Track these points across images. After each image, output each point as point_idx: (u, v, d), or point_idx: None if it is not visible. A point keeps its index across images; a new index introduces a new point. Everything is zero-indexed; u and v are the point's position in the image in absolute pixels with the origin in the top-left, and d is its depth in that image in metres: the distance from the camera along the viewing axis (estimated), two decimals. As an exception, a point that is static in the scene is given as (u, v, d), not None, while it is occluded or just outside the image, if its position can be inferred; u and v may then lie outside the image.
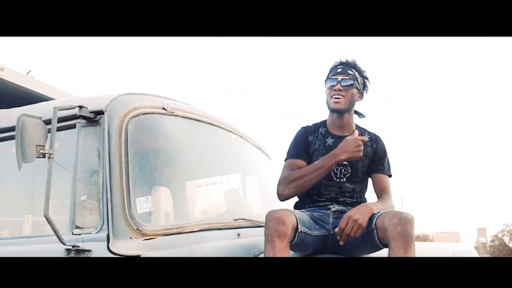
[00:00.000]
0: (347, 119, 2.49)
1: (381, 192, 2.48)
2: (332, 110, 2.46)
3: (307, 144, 2.52)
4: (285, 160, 2.54)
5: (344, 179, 2.44)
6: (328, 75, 2.48)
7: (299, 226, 2.13)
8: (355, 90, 2.44)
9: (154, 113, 2.57)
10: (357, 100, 2.49)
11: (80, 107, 2.46)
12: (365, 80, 2.50)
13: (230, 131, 3.21)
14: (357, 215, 2.17)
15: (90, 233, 2.31)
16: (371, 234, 2.16)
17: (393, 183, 2.54)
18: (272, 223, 2.03)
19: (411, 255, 2.00)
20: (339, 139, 2.46)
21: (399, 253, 1.99)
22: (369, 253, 2.29)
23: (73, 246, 2.27)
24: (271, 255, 2.00)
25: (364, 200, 2.51)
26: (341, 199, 2.42)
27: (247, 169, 3.22)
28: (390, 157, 2.59)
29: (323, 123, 2.56)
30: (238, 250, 2.31)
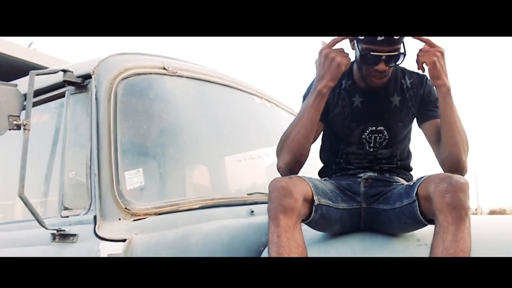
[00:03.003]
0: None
1: (439, 137, 1.84)
2: (370, 84, 1.85)
3: (326, 104, 1.90)
4: None
5: (380, 148, 1.92)
6: (361, 41, 1.78)
7: (315, 198, 1.68)
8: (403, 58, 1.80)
9: (150, 73, 2.19)
10: None
11: (65, 71, 2.14)
12: None
13: (252, 94, 2.80)
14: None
15: (78, 215, 2.00)
16: (411, 206, 1.67)
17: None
18: (275, 194, 1.58)
19: (465, 233, 1.50)
20: (370, 96, 1.89)
21: (449, 230, 1.49)
22: (411, 230, 1.80)
23: (57, 231, 1.97)
24: (275, 237, 1.56)
25: (407, 162, 1.99)
26: (377, 167, 1.93)
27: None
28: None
29: (348, 73, 1.93)
30: (248, 231, 1.91)
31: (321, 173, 2.04)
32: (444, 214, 1.51)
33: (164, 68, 2.26)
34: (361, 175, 1.90)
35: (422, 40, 1.74)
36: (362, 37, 1.76)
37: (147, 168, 1.97)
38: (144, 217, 1.87)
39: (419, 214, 1.63)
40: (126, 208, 1.88)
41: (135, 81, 2.13)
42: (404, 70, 1.94)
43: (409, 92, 1.91)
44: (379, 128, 1.89)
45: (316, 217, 1.71)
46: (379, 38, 1.72)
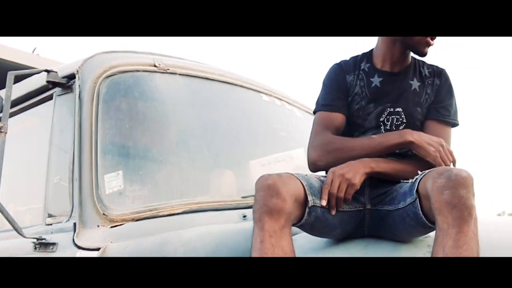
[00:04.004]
0: (405, 54, 1.77)
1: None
2: (422, 54, 1.74)
3: (345, 87, 1.79)
4: (314, 112, 1.84)
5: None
6: None
7: (309, 199, 1.47)
8: None
9: (138, 70, 2.06)
10: None
11: (48, 71, 2.05)
12: None
13: (259, 91, 2.62)
14: (344, 169, 1.52)
15: (60, 222, 1.89)
16: (413, 206, 1.44)
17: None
18: (260, 193, 1.38)
19: (469, 237, 1.26)
20: (390, 77, 1.76)
21: (449, 234, 1.26)
22: (419, 234, 1.56)
23: (37, 239, 1.86)
24: (258, 242, 1.37)
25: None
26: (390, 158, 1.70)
27: (284, 141, 2.59)
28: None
29: (367, 56, 1.83)
30: (238, 237, 1.72)
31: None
32: (444, 215, 1.27)
33: (155, 65, 2.13)
34: None
35: None
36: None
37: (128, 171, 1.83)
38: (122, 223, 1.73)
39: (421, 215, 1.41)
40: (104, 214, 1.75)
41: (120, 79, 2.00)
42: (423, 62, 1.82)
43: (428, 80, 1.77)
44: (397, 109, 1.72)
45: (310, 220, 1.50)
46: None
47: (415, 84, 1.76)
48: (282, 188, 1.37)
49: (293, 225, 1.47)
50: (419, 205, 1.40)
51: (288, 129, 2.70)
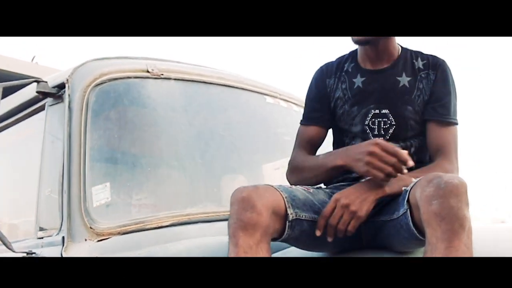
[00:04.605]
0: (385, 46, 1.62)
1: (436, 152, 1.57)
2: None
3: (324, 93, 1.69)
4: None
5: (387, 137, 1.58)
6: None
7: (289, 212, 1.37)
8: None
9: (129, 77, 2.00)
10: None
11: (38, 81, 2.01)
12: None
13: (262, 93, 2.53)
14: (350, 198, 1.37)
15: (51, 236, 1.84)
16: (405, 217, 1.33)
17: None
18: (234, 207, 1.30)
19: (461, 251, 1.14)
20: (373, 75, 1.62)
21: (438, 248, 1.15)
22: (414, 247, 1.44)
23: (27, 254, 1.82)
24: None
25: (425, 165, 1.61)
26: None
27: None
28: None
29: (352, 55, 1.71)
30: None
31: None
32: (432, 228, 1.16)
33: (148, 71, 2.07)
34: (362, 179, 1.56)
35: None
36: None
37: (116, 183, 1.77)
38: (108, 237, 1.67)
39: (412, 227, 1.29)
40: (91, 228, 1.70)
41: (110, 87, 1.95)
42: (417, 52, 1.67)
43: (421, 74, 1.61)
44: (383, 111, 1.58)
45: (294, 234, 1.41)
46: None
47: (404, 79, 1.60)
48: (257, 201, 1.28)
49: (275, 239, 1.38)
50: (409, 217, 1.29)
51: (293, 133, 2.60)
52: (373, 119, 1.59)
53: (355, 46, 1.69)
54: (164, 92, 2.05)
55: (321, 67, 1.75)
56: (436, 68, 1.61)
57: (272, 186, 1.40)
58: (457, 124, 1.62)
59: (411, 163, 1.39)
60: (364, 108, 1.60)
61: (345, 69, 1.68)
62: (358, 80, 1.64)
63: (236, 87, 2.40)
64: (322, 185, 1.63)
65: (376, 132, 1.59)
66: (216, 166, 1.78)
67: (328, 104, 1.69)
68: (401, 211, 1.35)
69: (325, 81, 1.70)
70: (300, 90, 1.80)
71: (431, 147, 1.59)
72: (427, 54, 1.66)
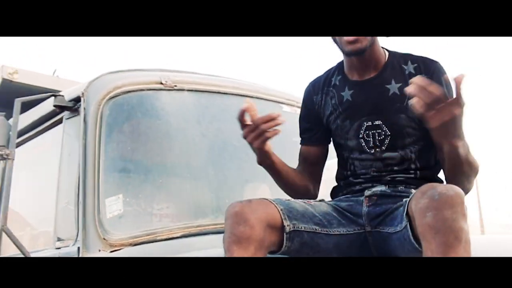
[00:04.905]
0: (370, 54, 1.57)
1: None
2: (349, 53, 1.54)
3: (313, 111, 1.68)
4: None
5: (384, 148, 1.55)
6: None
7: (285, 224, 1.37)
8: None
9: (142, 89, 2.04)
10: None
11: (55, 95, 2.06)
12: None
13: (279, 102, 2.52)
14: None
15: (68, 246, 1.88)
16: (406, 229, 1.31)
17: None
18: (228, 222, 1.31)
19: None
20: (360, 86, 1.58)
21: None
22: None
23: (44, 264, 1.86)
24: None
25: (432, 172, 1.59)
26: (388, 177, 1.55)
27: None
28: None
29: (339, 67, 1.66)
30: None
31: (332, 192, 1.72)
32: (427, 241, 1.14)
33: (161, 83, 2.09)
34: (366, 192, 1.55)
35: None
36: None
37: (128, 194, 1.80)
38: (120, 248, 1.69)
39: (413, 240, 1.27)
40: (104, 239, 1.73)
41: (123, 100, 1.98)
42: (406, 56, 1.60)
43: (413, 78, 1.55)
44: (376, 122, 1.54)
45: (294, 246, 1.40)
46: None
47: (394, 87, 1.55)
48: (250, 215, 1.29)
49: (273, 252, 1.38)
50: (410, 230, 1.27)
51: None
52: (367, 132, 1.56)
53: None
54: (177, 104, 2.08)
55: (309, 84, 1.73)
56: (431, 72, 1.54)
57: (267, 200, 1.40)
58: None
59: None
60: (356, 122, 1.57)
61: (332, 83, 1.65)
62: (347, 93, 1.60)
63: (252, 97, 2.40)
64: (325, 198, 1.63)
65: (371, 145, 1.56)
66: (229, 176, 1.78)
67: (319, 122, 1.67)
68: (403, 224, 1.33)
69: (312, 99, 1.69)
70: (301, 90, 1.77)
71: (439, 151, 1.53)
72: (417, 57, 1.60)
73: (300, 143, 1.73)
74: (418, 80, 1.26)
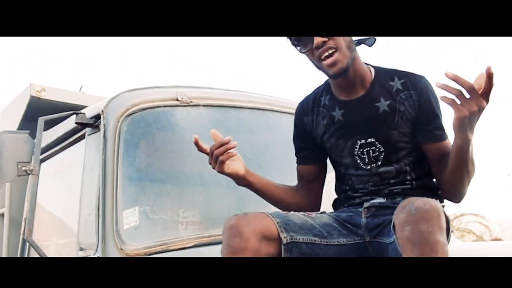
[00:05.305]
0: (355, 73, 1.60)
1: (442, 159, 1.57)
2: (334, 76, 1.58)
3: (305, 132, 1.74)
4: None
5: (379, 163, 1.60)
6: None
7: (282, 235, 1.44)
8: None
9: (159, 106, 2.13)
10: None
11: (76, 113, 2.18)
12: None
13: (293, 114, 2.58)
14: None
15: (89, 256, 1.99)
16: (395, 242, 1.36)
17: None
18: (224, 234, 1.40)
19: None
20: (351, 106, 1.62)
21: None
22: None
23: (67, 273, 1.97)
24: None
25: (428, 180, 1.64)
26: (386, 190, 1.61)
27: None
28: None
29: (326, 87, 1.71)
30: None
31: (333, 204, 1.78)
32: (406, 253, 1.22)
33: (177, 99, 2.19)
34: (365, 203, 1.60)
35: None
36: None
37: (144, 207, 1.90)
38: (136, 257, 1.78)
39: (400, 251, 1.32)
40: (121, 249, 1.82)
41: (140, 117, 2.08)
42: (392, 72, 1.64)
43: (401, 95, 1.59)
44: (369, 140, 1.60)
45: (292, 257, 1.47)
46: None
47: (383, 105, 1.60)
48: (244, 227, 1.36)
49: None
50: (397, 240, 1.32)
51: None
52: (361, 149, 1.61)
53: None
54: (193, 119, 2.17)
55: (299, 104, 1.79)
56: (418, 88, 1.59)
57: (264, 213, 1.48)
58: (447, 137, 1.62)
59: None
60: (350, 140, 1.63)
61: (322, 103, 1.70)
62: (337, 113, 1.65)
63: (266, 109, 2.47)
64: (326, 210, 1.69)
65: (367, 161, 1.61)
66: (240, 189, 1.85)
67: (313, 141, 1.73)
68: (393, 237, 1.38)
69: (302, 119, 1.75)
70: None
71: (436, 161, 1.60)
72: (402, 72, 1.64)
73: (296, 163, 1.79)
74: (449, 74, 1.31)
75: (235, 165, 1.65)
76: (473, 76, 1.35)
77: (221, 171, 1.63)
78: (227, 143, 1.60)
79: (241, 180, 1.69)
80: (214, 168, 1.64)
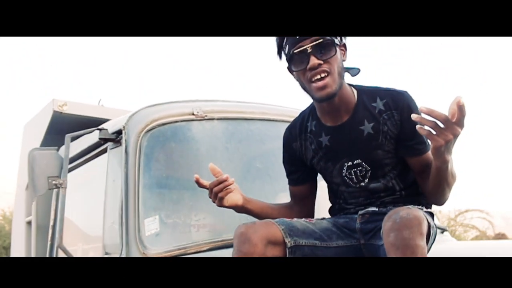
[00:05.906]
0: (341, 99, 1.68)
1: (425, 169, 1.69)
2: (320, 100, 1.66)
3: (295, 156, 1.85)
4: None
5: (367, 180, 1.73)
6: (284, 50, 1.68)
7: (287, 240, 1.60)
8: (337, 50, 1.65)
9: (176, 121, 2.30)
10: (343, 61, 1.70)
11: (100, 129, 2.36)
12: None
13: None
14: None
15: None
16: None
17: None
18: (235, 241, 1.56)
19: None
20: (337, 132, 1.72)
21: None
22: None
23: (94, 277, 2.15)
24: None
25: (415, 188, 1.76)
26: (378, 202, 1.75)
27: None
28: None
29: (312, 112, 1.80)
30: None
31: (329, 211, 1.93)
32: (391, 256, 1.38)
33: (193, 114, 2.35)
34: (359, 211, 1.76)
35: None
36: (285, 43, 1.67)
37: (164, 215, 2.07)
38: (157, 262, 1.95)
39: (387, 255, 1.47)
40: (144, 253, 1.99)
41: (159, 132, 2.25)
42: (374, 92, 1.73)
43: (383, 116, 1.69)
44: (355, 161, 1.73)
45: (296, 257, 1.63)
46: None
47: (367, 127, 1.70)
48: (252, 235, 1.53)
49: None
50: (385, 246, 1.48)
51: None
52: (349, 170, 1.74)
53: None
54: (207, 132, 2.33)
55: (286, 129, 1.90)
56: (399, 108, 1.67)
57: (270, 221, 1.65)
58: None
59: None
60: (338, 163, 1.76)
61: (309, 129, 1.80)
62: (324, 139, 1.76)
63: (278, 120, 2.61)
64: (326, 216, 1.84)
65: (355, 180, 1.75)
66: (250, 196, 1.99)
67: (303, 164, 1.85)
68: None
69: (291, 145, 1.86)
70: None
71: (419, 172, 1.73)
72: (384, 91, 1.71)
73: (288, 184, 1.92)
74: (423, 109, 1.42)
75: (234, 197, 1.77)
76: (473, 75, 1.44)
77: (221, 206, 1.77)
78: (225, 180, 1.71)
79: (240, 210, 1.83)
80: (214, 202, 1.77)
